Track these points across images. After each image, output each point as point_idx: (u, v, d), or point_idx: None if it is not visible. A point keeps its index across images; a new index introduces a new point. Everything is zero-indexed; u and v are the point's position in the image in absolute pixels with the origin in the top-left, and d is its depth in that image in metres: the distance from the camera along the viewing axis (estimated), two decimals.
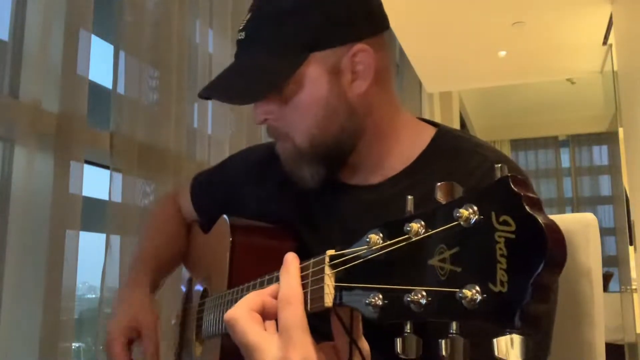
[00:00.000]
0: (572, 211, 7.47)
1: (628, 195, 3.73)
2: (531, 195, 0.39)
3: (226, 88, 0.91)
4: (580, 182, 7.60)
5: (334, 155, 0.91)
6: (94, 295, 1.63)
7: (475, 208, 0.41)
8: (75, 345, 1.40)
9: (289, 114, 0.89)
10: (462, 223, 0.42)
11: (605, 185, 7.39)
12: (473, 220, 0.41)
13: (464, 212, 0.42)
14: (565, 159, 7.69)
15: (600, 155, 7.54)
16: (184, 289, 1.28)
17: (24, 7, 1.22)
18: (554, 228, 0.37)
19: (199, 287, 1.14)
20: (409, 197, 0.50)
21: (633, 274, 4.03)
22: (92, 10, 1.37)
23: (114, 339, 1.02)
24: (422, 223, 0.46)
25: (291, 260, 0.61)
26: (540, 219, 0.37)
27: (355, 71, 0.87)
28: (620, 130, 3.78)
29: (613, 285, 5.02)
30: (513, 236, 0.38)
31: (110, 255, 1.40)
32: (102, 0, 1.45)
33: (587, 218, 1.02)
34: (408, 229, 0.47)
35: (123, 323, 1.04)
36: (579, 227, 1.01)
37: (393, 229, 0.49)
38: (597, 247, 1.01)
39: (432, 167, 0.89)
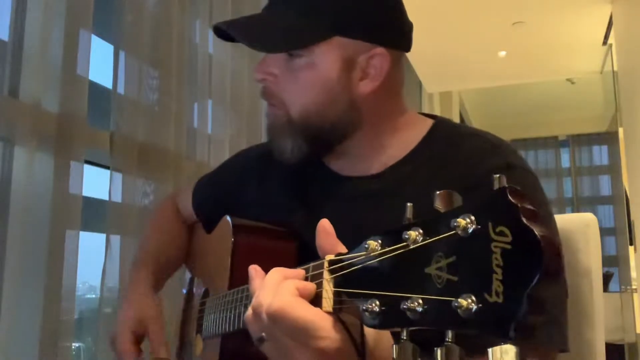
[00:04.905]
0: (572, 211, 7.46)
1: (628, 195, 3.73)
2: (528, 206, 0.39)
3: (245, 28, 0.91)
4: (580, 182, 7.59)
5: (322, 138, 0.91)
6: (94, 295, 1.63)
7: (473, 218, 0.42)
8: (75, 345, 1.40)
9: (290, 84, 0.89)
10: (459, 232, 0.42)
11: (605, 185, 7.38)
12: (470, 230, 0.42)
13: (461, 221, 0.42)
14: (565, 159, 7.68)
15: (600, 155, 7.53)
16: (184, 291, 1.28)
17: (24, 7, 1.21)
18: (550, 240, 0.38)
19: (200, 287, 1.14)
20: (409, 204, 0.50)
21: (633, 274, 4.02)
22: (92, 10, 1.37)
23: (120, 333, 1.02)
24: (420, 231, 0.47)
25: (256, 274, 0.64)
26: (536, 231, 0.38)
27: (367, 71, 0.88)
28: (620, 130, 3.78)
29: (613, 285, 5.02)
30: (509, 247, 0.39)
31: (110, 255, 1.40)
32: (102, 0, 1.45)
33: (587, 218, 1.02)
34: (406, 236, 0.47)
35: (128, 317, 1.04)
36: (579, 227, 1.01)
37: (392, 236, 0.50)
38: (597, 247, 1.01)
39: (432, 152, 0.90)
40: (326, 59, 0.87)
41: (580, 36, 4.22)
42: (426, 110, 5.46)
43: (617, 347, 4.10)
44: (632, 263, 3.92)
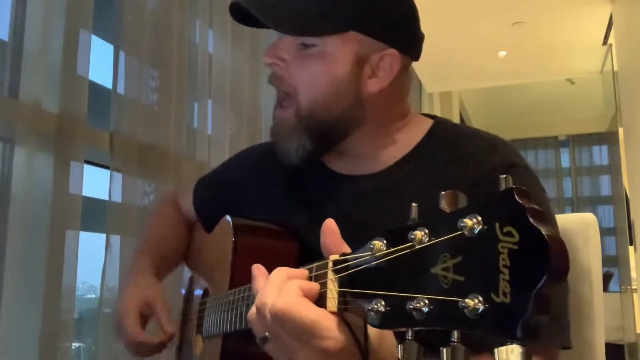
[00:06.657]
0: (572, 211, 7.46)
1: (628, 195, 3.73)
2: (535, 207, 0.39)
3: (264, 8, 0.89)
4: (580, 182, 7.59)
5: (325, 133, 0.91)
6: (94, 295, 1.63)
7: (480, 218, 0.42)
8: (75, 345, 1.40)
9: (300, 72, 0.89)
10: (465, 233, 0.42)
11: (605, 185, 7.38)
12: (477, 230, 0.42)
13: (468, 221, 0.42)
14: (565, 159, 7.68)
15: (600, 155, 7.53)
16: (183, 291, 1.28)
17: (24, 7, 1.22)
18: (557, 240, 0.38)
19: (200, 286, 1.14)
20: (414, 204, 0.50)
21: (633, 274, 4.02)
22: (92, 10, 1.37)
23: (124, 314, 1.02)
24: (426, 231, 0.47)
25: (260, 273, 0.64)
26: (543, 231, 0.38)
27: (377, 71, 0.88)
28: (620, 130, 3.78)
29: (613, 285, 5.02)
30: (516, 247, 0.39)
31: (110, 255, 1.40)
32: (102, 0, 1.45)
33: (587, 218, 1.02)
34: (412, 236, 0.47)
35: (132, 299, 1.04)
36: (579, 227, 1.00)
37: (397, 236, 0.49)
38: (597, 247, 1.01)
39: (433, 152, 0.90)
40: (339, 52, 0.87)
41: (580, 36, 4.22)
42: (426, 110, 5.49)
43: (617, 347, 4.10)
44: (632, 263, 3.92)
